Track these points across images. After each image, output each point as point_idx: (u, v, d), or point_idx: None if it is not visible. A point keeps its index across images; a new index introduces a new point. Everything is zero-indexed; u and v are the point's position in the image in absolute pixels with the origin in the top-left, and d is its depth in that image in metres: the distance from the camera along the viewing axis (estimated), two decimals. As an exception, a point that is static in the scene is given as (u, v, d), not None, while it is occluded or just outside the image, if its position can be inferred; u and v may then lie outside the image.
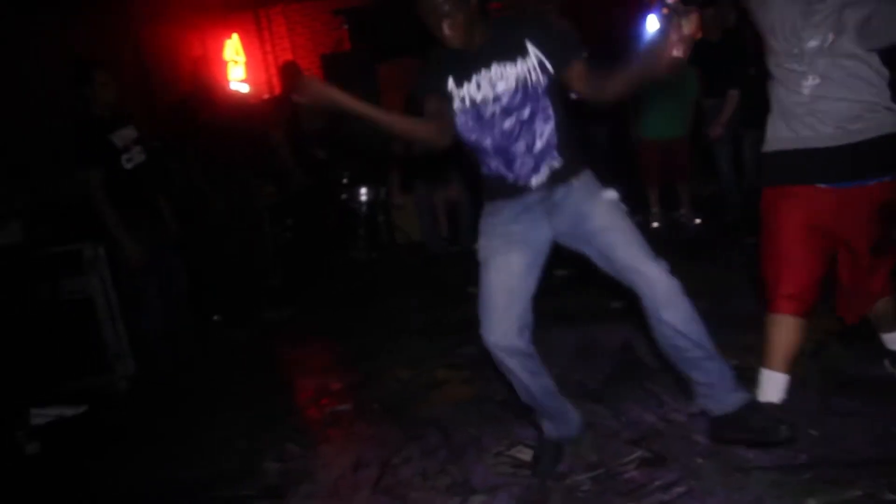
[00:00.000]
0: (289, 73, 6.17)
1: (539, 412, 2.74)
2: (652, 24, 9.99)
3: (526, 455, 2.85)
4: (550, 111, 2.38)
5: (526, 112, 2.36)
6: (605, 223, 2.42)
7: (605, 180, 2.55)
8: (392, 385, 3.76)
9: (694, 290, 4.38)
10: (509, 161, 2.42)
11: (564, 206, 2.45)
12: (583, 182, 2.47)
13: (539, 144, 2.39)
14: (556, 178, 2.43)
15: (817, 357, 3.27)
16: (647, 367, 3.46)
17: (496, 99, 2.34)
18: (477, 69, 2.34)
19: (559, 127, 2.41)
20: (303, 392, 4.01)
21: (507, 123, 2.37)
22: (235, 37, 8.88)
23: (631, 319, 4.10)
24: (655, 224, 6.11)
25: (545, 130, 2.39)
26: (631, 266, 2.41)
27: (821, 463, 2.48)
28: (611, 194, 2.47)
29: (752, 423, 2.54)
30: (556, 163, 2.42)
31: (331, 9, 9.09)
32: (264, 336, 5.01)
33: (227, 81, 8.53)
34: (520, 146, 2.39)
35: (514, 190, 2.45)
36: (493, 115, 2.36)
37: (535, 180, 2.43)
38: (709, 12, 5.98)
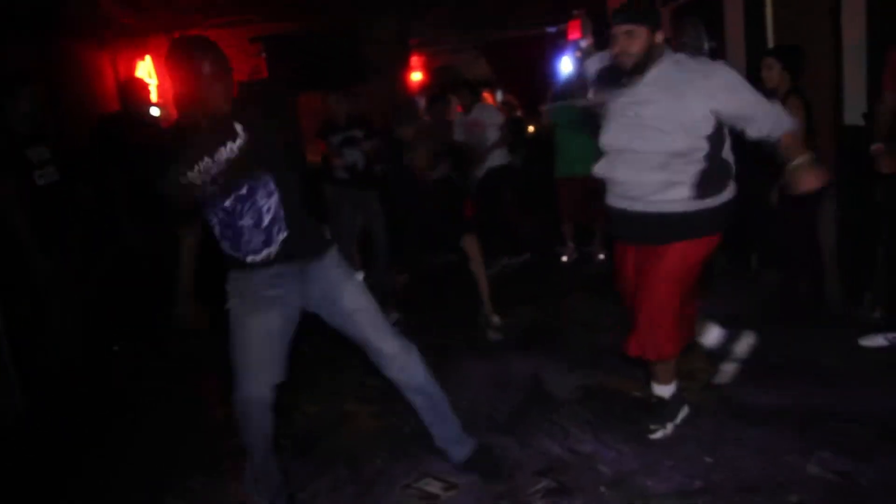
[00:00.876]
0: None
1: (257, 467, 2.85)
2: (566, 65, 10.38)
3: (434, 487, 2.85)
4: (272, 186, 2.47)
5: (244, 189, 2.45)
6: (354, 305, 2.69)
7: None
8: (300, 419, 3.68)
9: (604, 324, 4.57)
10: (237, 237, 2.50)
11: (317, 281, 2.63)
12: (334, 262, 2.67)
13: (266, 219, 2.48)
14: (293, 250, 2.54)
15: (713, 387, 3.42)
16: (555, 400, 3.53)
17: (213, 182, 2.40)
18: (199, 156, 2.38)
19: (285, 200, 2.51)
20: (206, 426, 3.87)
21: (227, 202, 2.46)
22: (149, 58, 8.68)
23: (542, 352, 4.22)
24: (564, 258, 6.28)
25: (270, 205, 2.49)
26: (376, 346, 2.78)
27: (715, 489, 2.59)
28: (359, 277, 2.80)
29: (481, 464, 2.89)
30: (285, 234, 2.52)
31: (248, 35, 9.02)
32: (167, 367, 4.81)
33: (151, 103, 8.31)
34: (246, 222, 2.48)
35: (246, 265, 2.54)
36: (213, 195, 2.43)
37: (266, 253, 2.51)
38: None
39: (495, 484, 2.80)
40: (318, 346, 4.80)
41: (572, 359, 4.02)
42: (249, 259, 2.52)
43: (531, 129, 9.20)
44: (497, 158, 6.55)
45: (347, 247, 6.04)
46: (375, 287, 6.04)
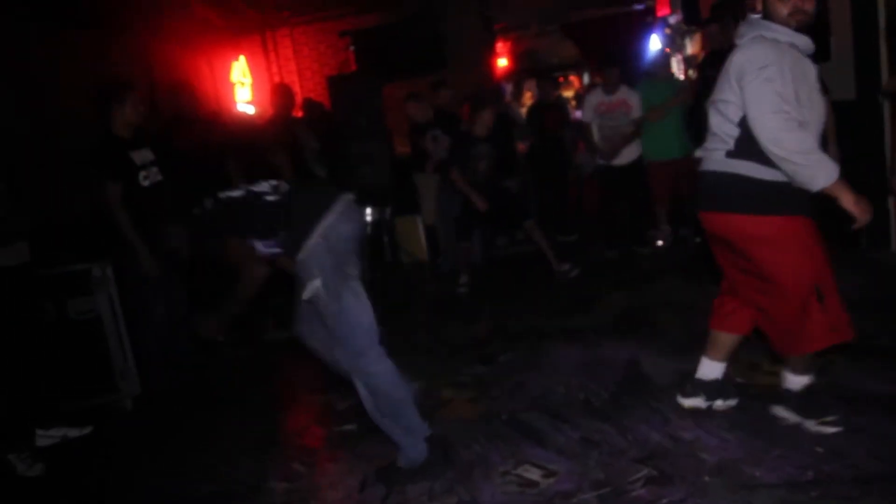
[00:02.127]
0: (282, 94, 6.22)
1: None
2: (654, 43, 10.08)
3: (533, 474, 2.84)
4: None
5: None
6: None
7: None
8: (398, 404, 3.75)
9: (702, 308, 4.43)
10: None
11: None
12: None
13: None
14: None
15: (821, 373, 3.26)
16: (654, 385, 3.46)
17: None
18: None
19: None
20: (308, 411, 4.01)
21: None
22: (242, 59, 8.99)
23: (637, 336, 4.14)
24: (660, 242, 6.12)
25: None
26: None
27: (827, 480, 2.47)
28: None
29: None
30: None
31: (337, 30, 9.19)
32: (269, 354, 5.01)
33: (234, 103, 8.62)
34: None
35: None
36: None
37: None
38: (713, 28, 6.04)
39: (590, 470, 2.77)
40: (412, 333, 4.92)
41: (669, 343, 3.93)
42: None
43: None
44: (633, 151, 6.10)
45: (447, 229, 6.30)
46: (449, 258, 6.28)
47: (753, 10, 6.10)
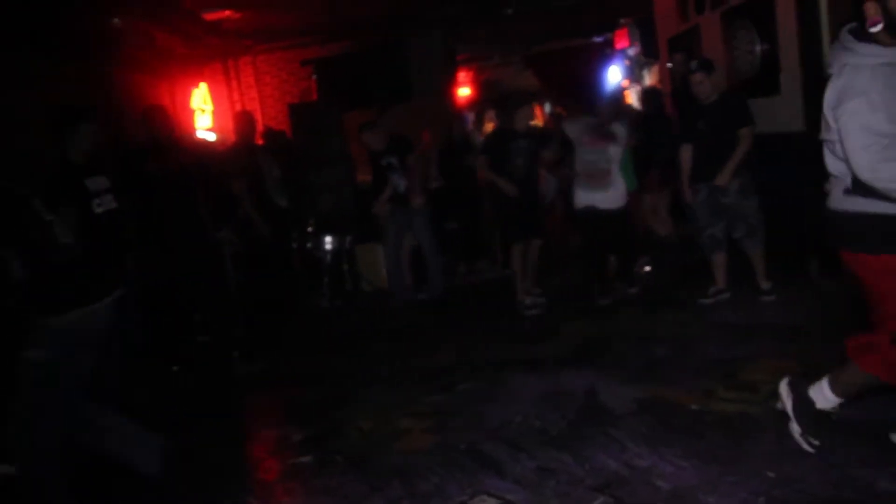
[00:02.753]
0: (244, 121, 6.20)
1: None
2: (614, 74, 10.31)
3: (489, 503, 2.82)
4: None
5: None
6: None
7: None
8: (355, 435, 3.71)
9: (659, 336, 4.51)
10: None
11: None
12: None
13: None
14: None
15: (775, 399, 3.31)
16: (611, 413, 3.47)
17: None
18: None
19: None
20: (264, 443, 3.94)
21: None
22: (204, 86, 8.95)
23: (596, 365, 4.16)
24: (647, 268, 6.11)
25: None
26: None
27: (779, 506, 2.50)
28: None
29: None
30: None
31: (298, 59, 9.23)
32: (228, 387, 4.91)
33: (194, 129, 8.56)
34: None
35: None
36: None
37: None
38: (678, 57, 6.22)
39: (547, 499, 2.76)
40: (372, 363, 4.88)
41: (627, 371, 3.96)
42: None
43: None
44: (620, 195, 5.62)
45: (395, 264, 6.14)
46: (430, 299, 6.14)
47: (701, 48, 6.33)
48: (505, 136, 5.65)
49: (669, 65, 7.15)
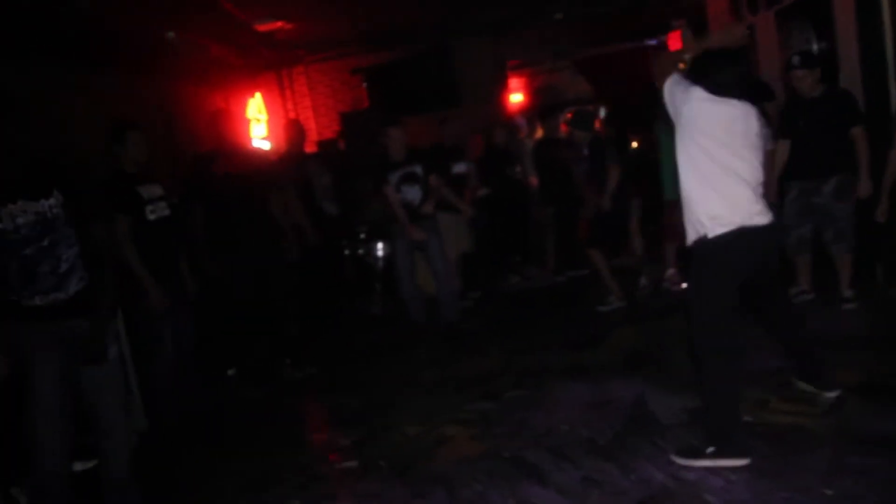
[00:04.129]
0: (293, 130, 6.27)
1: None
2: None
3: (532, 514, 2.78)
4: (73, 240, 2.83)
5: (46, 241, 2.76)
6: (104, 383, 2.90)
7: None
8: (400, 441, 3.71)
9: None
10: (30, 280, 2.75)
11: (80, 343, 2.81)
12: (101, 326, 2.86)
13: (64, 266, 2.80)
14: (82, 299, 2.83)
15: (832, 412, 3.18)
16: (659, 424, 3.39)
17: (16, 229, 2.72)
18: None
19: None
20: (311, 448, 3.98)
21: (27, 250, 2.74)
22: (258, 95, 9.14)
23: (643, 373, 4.07)
24: (682, 285, 5.92)
25: (67, 256, 2.82)
26: (112, 418, 2.96)
27: (835, 524, 2.39)
28: (114, 351, 2.93)
29: None
30: (81, 285, 2.83)
31: (350, 68, 9.34)
32: (281, 393, 4.97)
33: (250, 138, 8.75)
34: (43, 268, 2.77)
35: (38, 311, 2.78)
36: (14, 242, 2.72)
37: (61, 296, 2.79)
38: None
39: (594, 512, 2.71)
40: (419, 369, 4.88)
41: (677, 381, 3.85)
42: (44, 301, 2.79)
43: (634, 144, 9.00)
44: None
45: (408, 282, 5.83)
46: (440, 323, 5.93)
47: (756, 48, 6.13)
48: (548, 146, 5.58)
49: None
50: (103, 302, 2.91)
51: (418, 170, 5.59)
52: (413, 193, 5.60)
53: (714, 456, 2.86)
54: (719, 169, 2.89)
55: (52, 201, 2.79)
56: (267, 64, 9.04)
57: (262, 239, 4.92)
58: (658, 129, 5.95)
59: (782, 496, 2.61)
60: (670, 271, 5.95)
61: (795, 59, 4.61)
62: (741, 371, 3.08)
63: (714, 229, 2.89)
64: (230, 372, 5.48)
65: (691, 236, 3.00)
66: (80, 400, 2.88)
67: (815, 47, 5.18)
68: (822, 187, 4.55)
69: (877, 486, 2.56)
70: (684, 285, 5.82)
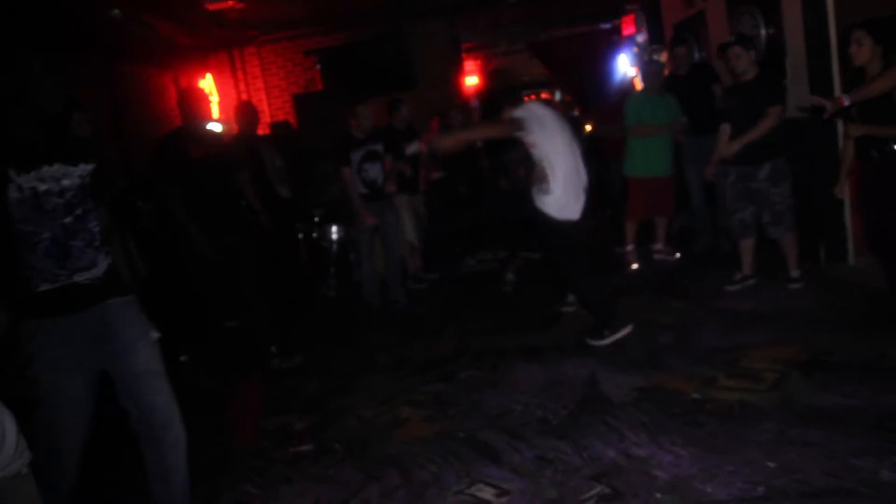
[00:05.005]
0: (245, 111, 6.14)
1: None
2: (623, 62, 10.23)
3: (486, 493, 2.81)
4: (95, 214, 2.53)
5: (80, 210, 2.46)
6: (149, 367, 2.60)
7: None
8: (355, 424, 3.71)
9: (663, 324, 4.48)
10: (64, 256, 2.43)
11: (113, 328, 2.53)
12: (134, 309, 2.61)
13: (97, 242, 2.51)
14: (110, 281, 2.53)
15: (777, 388, 3.28)
16: (610, 402, 3.44)
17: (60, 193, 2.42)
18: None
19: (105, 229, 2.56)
20: (265, 432, 3.94)
21: (68, 218, 2.44)
22: (209, 76, 8.95)
23: (596, 353, 4.13)
24: (635, 266, 6.04)
25: (97, 230, 2.52)
26: (163, 413, 2.66)
27: (778, 496, 2.47)
28: (155, 334, 2.66)
29: None
30: (108, 262, 2.54)
31: (303, 49, 9.20)
32: (229, 375, 4.91)
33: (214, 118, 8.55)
34: (77, 242, 2.46)
35: (64, 295, 2.44)
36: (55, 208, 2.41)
37: (89, 276, 2.48)
38: (680, 51, 6.04)
39: (544, 488, 2.75)
40: (374, 352, 4.87)
41: (629, 360, 3.93)
42: (72, 280, 2.46)
43: (588, 128, 9.08)
44: None
45: (367, 263, 5.93)
46: (391, 304, 5.93)
47: (707, 34, 6.23)
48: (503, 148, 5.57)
49: (656, 58, 6.99)
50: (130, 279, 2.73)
51: (379, 148, 5.65)
52: (375, 171, 5.67)
53: (611, 334, 4.12)
54: None
55: (88, 168, 2.52)
56: (218, 44, 8.84)
57: (237, 220, 4.81)
58: (636, 101, 5.98)
59: (728, 469, 2.68)
60: (629, 247, 6.03)
61: (731, 37, 4.71)
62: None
63: None
64: (182, 358, 5.39)
65: None
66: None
67: (763, 33, 5.28)
68: (757, 172, 4.65)
69: (818, 458, 2.65)
70: (678, 255, 5.96)
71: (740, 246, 4.93)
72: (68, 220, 2.43)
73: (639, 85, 9.65)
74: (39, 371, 2.39)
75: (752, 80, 4.61)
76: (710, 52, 6.17)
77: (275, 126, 8.56)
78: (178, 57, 8.33)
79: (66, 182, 2.42)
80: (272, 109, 9.33)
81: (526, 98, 11.81)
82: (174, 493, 2.73)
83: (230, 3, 7.35)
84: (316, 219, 6.86)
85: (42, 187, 2.37)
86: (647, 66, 6.24)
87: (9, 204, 2.34)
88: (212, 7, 7.38)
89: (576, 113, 10.04)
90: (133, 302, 2.62)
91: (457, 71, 9.86)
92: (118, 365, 2.56)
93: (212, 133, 5.01)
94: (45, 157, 2.39)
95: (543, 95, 14.77)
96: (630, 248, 6.01)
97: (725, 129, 4.76)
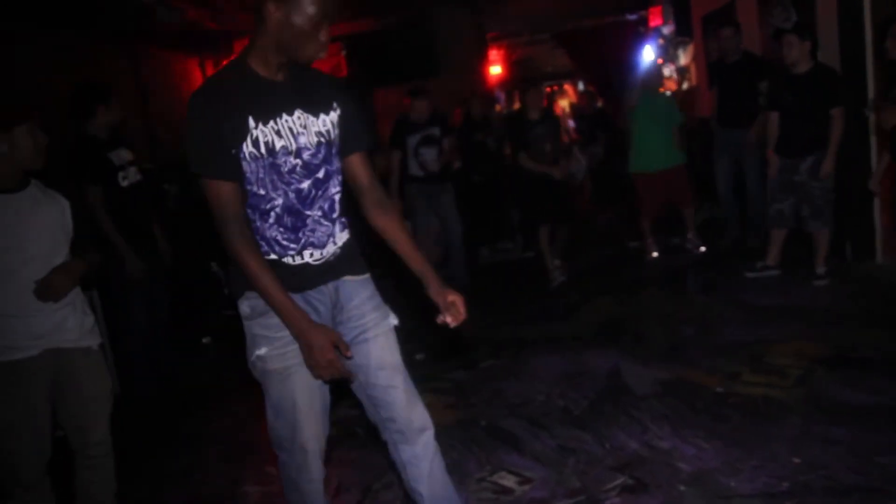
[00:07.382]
0: None
1: None
2: (648, 53, 10.14)
3: (508, 481, 2.82)
4: (340, 177, 2.04)
5: (322, 173, 1.97)
6: (386, 360, 2.19)
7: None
8: (377, 409, 3.72)
9: (686, 317, 4.46)
10: (298, 228, 1.95)
11: (347, 312, 2.10)
12: (370, 290, 2.16)
13: (337, 211, 2.02)
14: (345, 257, 2.05)
15: (802, 384, 3.26)
16: (633, 394, 3.44)
17: (298, 152, 1.91)
18: (280, 111, 1.88)
19: (344, 196, 2.05)
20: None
21: (305, 183, 1.94)
22: (234, 62, 8.96)
23: (618, 345, 4.13)
24: (655, 254, 6.04)
25: (337, 197, 2.02)
26: (403, 413, 2.25)
27: (802, 491, 2.46)
28: (394, 320, 2.26)
29: None
30: (346, 235, 2.06)
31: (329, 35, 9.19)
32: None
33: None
34: (315, 212, 1.97)
35: (295, 272, 1.97)
36: (292, 169, 1.91)
37: (325, 253, 2.00)
38: (727, 32, 5.62)
39: (567, 478, 2.76)
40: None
41: (651, 352, 3.92)
42: (305, 259, 1.99)
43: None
44: None
45: (425, 243, 6.02)
46: (451, 281, 6.02)
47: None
48: (524, 126, 5.59)
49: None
50: None
51: (436, 131, 5.71)
52: (431, 155, 5.73)
53: None
54: None
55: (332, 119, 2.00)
56: (243, 28, 8.85)
57: None
58: (629, 98, 5.99)
59: (752, 464, 2.67)
60: (648, 239, 6.04)
61: (788, 24, 4.56)
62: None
63: None
64: (205, 340, 5.46)
65: None
66: None
67: (793, 19, 5.20)
68: (800, 165, 4.60)
69: (842, 454, 2.63)
70: (703, 249, 5.93)
71: (772, 235, 4.90)
72: (305, 185, 1.94)
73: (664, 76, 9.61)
74: (281, 350, 2.05)
75: (806, 74, 4.52)
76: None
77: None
78: (204, 42, 8.37)
79: (302, 140, 1.91)
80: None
81: (548, 89, 11.76)
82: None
83: (257, -13, 7.35)
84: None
85: (279, 143, 1.88)
86: (647, 66, 6.30)
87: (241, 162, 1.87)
88: (238, -8, 7.39)
89: (599, 104, 9.98)
90: (369, 282, 2.17)
91: (481, 60, 9.83)
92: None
93: None
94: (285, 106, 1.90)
95: (566, 86, 14.70)
96: (649, 240, 6.02)
97: (774, 117, 4.72)
